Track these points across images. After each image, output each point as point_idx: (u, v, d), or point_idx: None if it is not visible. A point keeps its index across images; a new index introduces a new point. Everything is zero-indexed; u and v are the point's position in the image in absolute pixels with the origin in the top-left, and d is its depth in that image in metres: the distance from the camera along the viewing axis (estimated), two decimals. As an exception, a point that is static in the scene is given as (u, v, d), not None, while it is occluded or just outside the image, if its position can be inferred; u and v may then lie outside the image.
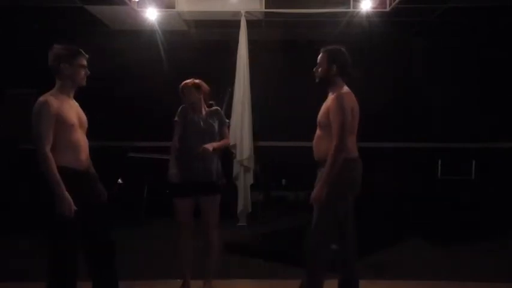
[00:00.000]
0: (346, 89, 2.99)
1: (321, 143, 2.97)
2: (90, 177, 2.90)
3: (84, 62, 2.83)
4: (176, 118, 3.54)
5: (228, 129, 3.85)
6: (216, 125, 3.51)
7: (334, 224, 2.94)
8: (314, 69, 3.07)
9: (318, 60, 3.05)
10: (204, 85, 3.57)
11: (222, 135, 3.55)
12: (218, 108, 3.65)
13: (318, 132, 3.03)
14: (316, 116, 3.09)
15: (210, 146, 3.35)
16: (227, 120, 3.68)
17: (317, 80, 3.07)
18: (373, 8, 5.94)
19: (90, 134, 3.07)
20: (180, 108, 3.56)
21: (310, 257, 2.96)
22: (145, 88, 7.40)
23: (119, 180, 6.50)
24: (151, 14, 6.03)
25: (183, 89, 3.51)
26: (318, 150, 3.01)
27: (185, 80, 3.56)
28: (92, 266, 2.87)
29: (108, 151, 6.60)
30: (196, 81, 3.53)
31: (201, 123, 3.46)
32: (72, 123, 2.69)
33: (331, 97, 2.97)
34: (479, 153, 6.88)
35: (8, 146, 6.43)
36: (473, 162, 6.17)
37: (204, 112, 3.53)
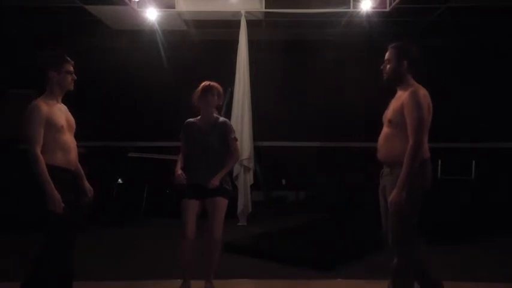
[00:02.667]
0: (418, 85, 2.86)
1: (393, 142, 2.80)
2: (79, 176, 3.07)
3: (71, 68, 2.95)
4: (180, 136, 3.53)
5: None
6: (221, 139, 3.46)
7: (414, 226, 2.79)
8: (382, 67, 2.93)
9: (386, 57, 2.91)
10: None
11: (229, 151, 3.49)
12: (226, 120, 3.60)
13: (386, 130, 2.87)
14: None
15: (217, 180, 3.34)
16: (234, 135, 3.55)
17: (385, 78, 2.91)
18: (373, 8, 5.93)
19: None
20: (184, 125, 3.53)
21: (407, 270, 2.82)
22: (145, 88, 7.41)
23: (119, 180, 6.50)
24: (151, 14, 6.03)
25: (210, 90, 3.46)
26: (389, 150, 2.83)
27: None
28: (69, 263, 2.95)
29: (108, 151, 6.61)
30: (217, 85, 3.51)
31: (206, 137, 3.43)
32: (61, 125, 2.84)
33: (404, 93, 2.81)
34: (479, 153, 6.88)
35: (8, 145, 6.44)
36: (473, 162, 6.16)
37: (211, 122, 3.50)
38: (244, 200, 6.11)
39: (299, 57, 7.61)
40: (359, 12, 6.03)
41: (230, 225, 5.83)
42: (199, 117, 3.55)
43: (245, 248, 4.76)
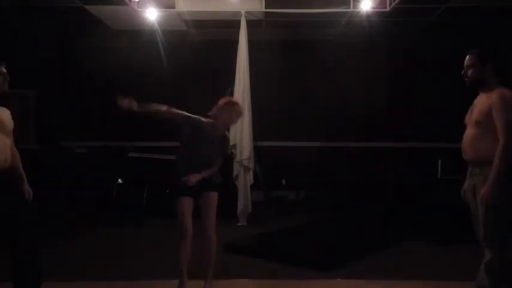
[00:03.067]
0: (503, 87, 2.96)
1: (479, 142, 2.92)
2: (11, 177, 3.01)
3: (3, 70, 3.00)
4: (189, 118, 3.46)
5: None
6: (219, 151, 3.53)
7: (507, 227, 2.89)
8: (462, 73, 3.06)
9: (466, 63, 3.03)
10: None
11: (215, 161, 3.53)
12: (228, 137, 3.66)
13: (471, 131, 2.99)
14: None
15: (194, 179, 3.35)
16: (229, 152, 3.62)
17: (468, 82, 3.05)
18: (373, 8, 5.93)
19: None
20: (198, 120, 3.47)
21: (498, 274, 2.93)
22: (146, 88, 7.40)
23: (119, 180, 6.50)
24: (151, 14, 6.03)
25: (237, 110, 3.51)
26: (475, 150, 2.95)
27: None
28: (14, 265, 2.95)
29: (108, 151, 6.61)
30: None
31: (211, 144, 3.46)
32: None
33: (490, 95, 2.94)
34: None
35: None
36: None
37: (219, 134, 3.52)
38: (244, 200, 6.11)
39: (299, 57, 7.61)
40: (359, 12, 6.03)
41: (230, 225, 5.85)
42: (211, 122, 3.51)
43: (245, 248, 4.77)
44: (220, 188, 3.58)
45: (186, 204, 3.42)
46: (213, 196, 3.51)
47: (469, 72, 3.02)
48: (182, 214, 3.41)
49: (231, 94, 6.33)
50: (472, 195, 3.03)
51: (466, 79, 3.05)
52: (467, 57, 3.04)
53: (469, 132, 3.01)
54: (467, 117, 3.09)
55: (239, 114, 3.57)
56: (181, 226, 3.39)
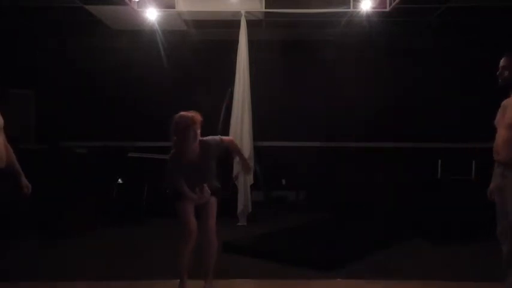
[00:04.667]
0: None
1: None
2: (10, 175, 3.08)
3: None
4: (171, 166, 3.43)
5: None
6: (211, 159, 3.44)
7: None
8: (498, 74, 3.18)
9: (502, 64, 3.16)
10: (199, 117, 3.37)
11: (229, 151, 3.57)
12: (207, 141, 3.45)
13: (504, 133, 3.09)
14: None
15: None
16: (220, 138, 3.51)
17: (501, 83, 3.18)
18: (373, 8, 5.93)
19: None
20: (171, 157, 3.43)
21: None
22: (145, 88, 7.41)
23: (119, 180, 6.50)
24: (151, 14, 6.03)
25: (191, 127, 3.30)
26: (509, 151, 3.05)
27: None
28: None
29: (108, 151, 6.61)
30: (198, 116, 3.35)
31: (197, 164, 3.38)
32: None
33: None
34: (479, 153, 6.88)
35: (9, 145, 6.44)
36: (473, 162, 6.17)
37: (198, 148, 3.39)
38: (244, 200, 6.11)
39: (299, 57, 7.61)
40: (359, 12, 6.02)
41: (230, 225, 5.85)
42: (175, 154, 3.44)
43: (245, 248, 4.77)
44: (220, 192, 3.56)
45: (189, 205, 3.42)
46: (213, 201, 3.48)
47: (506, 73, 3.13)
48: (186, 216, 3.40)
49: (231, 94, 6.33)
50: (499, 194, 3.13)
51: (500, 80, 3.17)
52: (503, 59, 3.16)
53: (502, 134, 3.10)
54: (497, 118, 3.20)
55: (187, 124, 3.33)
56: (185, 227, 3.39)
